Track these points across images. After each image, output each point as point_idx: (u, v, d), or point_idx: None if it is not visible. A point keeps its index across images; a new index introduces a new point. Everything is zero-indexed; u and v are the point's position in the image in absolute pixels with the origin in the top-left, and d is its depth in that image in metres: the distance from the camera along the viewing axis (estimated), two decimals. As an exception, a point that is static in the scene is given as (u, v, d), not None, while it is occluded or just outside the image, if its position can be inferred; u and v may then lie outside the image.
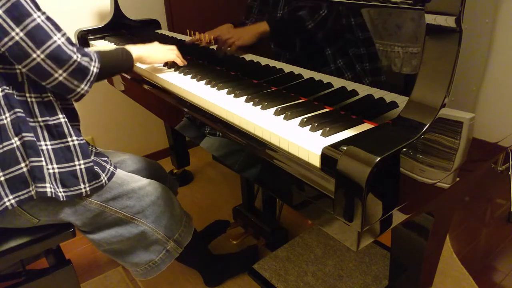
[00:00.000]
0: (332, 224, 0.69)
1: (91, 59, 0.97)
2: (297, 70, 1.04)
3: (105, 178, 1.06)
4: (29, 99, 0.96)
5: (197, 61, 1.34)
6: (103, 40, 1.73)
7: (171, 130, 2.01)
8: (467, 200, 1.96)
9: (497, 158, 2.11)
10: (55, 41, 0.90)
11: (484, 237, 1.72)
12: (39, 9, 0.89)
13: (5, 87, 0.93)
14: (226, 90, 1.05)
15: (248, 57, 1.17)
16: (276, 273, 1.45)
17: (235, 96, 1.00)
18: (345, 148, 0.65)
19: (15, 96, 0.94)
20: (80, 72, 0.95)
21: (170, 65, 1.28)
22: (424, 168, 0.70)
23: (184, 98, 1.11)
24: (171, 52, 1.24)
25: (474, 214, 1.87)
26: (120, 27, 1.77)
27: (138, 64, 1.27)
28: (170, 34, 1.49)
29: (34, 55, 0.88)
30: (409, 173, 0.68)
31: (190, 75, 1.18)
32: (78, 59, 0.93)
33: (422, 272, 1.05)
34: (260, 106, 0.92)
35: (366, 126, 0.80)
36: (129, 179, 1.13)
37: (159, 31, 1.55)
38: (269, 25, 1.08)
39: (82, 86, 0.97)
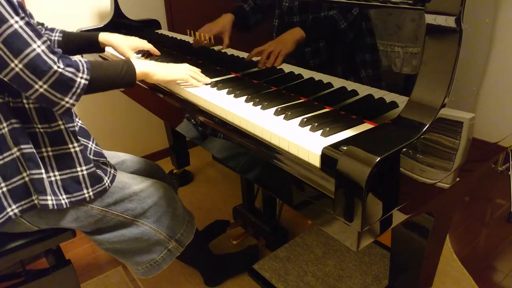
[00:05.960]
0: (332, 224, 0.69)
1: (78, 70, 0.87)
2: (297, 70, 1.03)
3: (108, 181, 1.05)
4: (37, 130, 0.95)
5: (197, 61, 1.34)
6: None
7: (171, 130, 2.01)
8: (467, 200, 1.96)
9: (497, 158, 2.11)
10: (34, 49, 0.81)
11: (484, 237, 1.72)
12: (17, 13, 0.81)
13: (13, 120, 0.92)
14: (226, 90, 1.05)
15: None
16: (276, 273, 1.45)
17: (235, 96, 1.00)
18: (345, 148, 0.65)
19: (22, 129, 0.93)
20: (63, 84, 0.86)
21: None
22: (424, 168, 0.70)
23: (184, 98, 1.11)
24: (185, 72, 1.10)
25: (474, 214, 1.87)
26: (120, 27, 1.77)
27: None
28: (170, 34, 1.49)
29: (12, 65, 0.81)
30: (409, 173, 0.68)
31: (190, 75, 1.18)
32: (60, 70, 0.84)
33: (422, 272, 1.05)
34: (260, 106, 0.92)
35: (366, 126, 0.80)
36: (130, 181, 1.13)
37: (159, 31, 1.55)
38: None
39: (67, 99, 0.88)
